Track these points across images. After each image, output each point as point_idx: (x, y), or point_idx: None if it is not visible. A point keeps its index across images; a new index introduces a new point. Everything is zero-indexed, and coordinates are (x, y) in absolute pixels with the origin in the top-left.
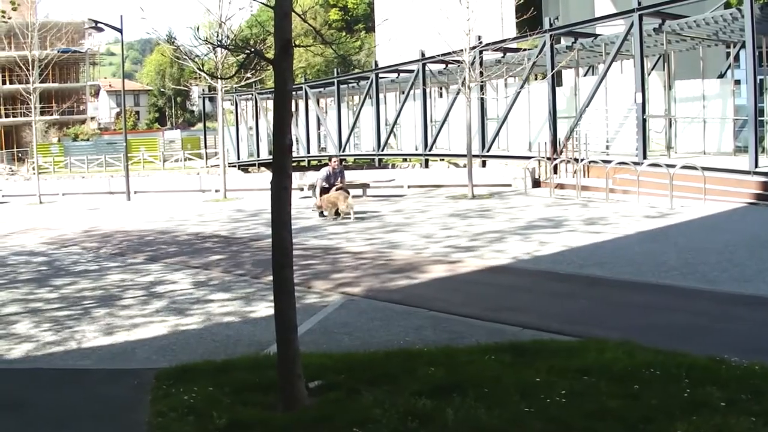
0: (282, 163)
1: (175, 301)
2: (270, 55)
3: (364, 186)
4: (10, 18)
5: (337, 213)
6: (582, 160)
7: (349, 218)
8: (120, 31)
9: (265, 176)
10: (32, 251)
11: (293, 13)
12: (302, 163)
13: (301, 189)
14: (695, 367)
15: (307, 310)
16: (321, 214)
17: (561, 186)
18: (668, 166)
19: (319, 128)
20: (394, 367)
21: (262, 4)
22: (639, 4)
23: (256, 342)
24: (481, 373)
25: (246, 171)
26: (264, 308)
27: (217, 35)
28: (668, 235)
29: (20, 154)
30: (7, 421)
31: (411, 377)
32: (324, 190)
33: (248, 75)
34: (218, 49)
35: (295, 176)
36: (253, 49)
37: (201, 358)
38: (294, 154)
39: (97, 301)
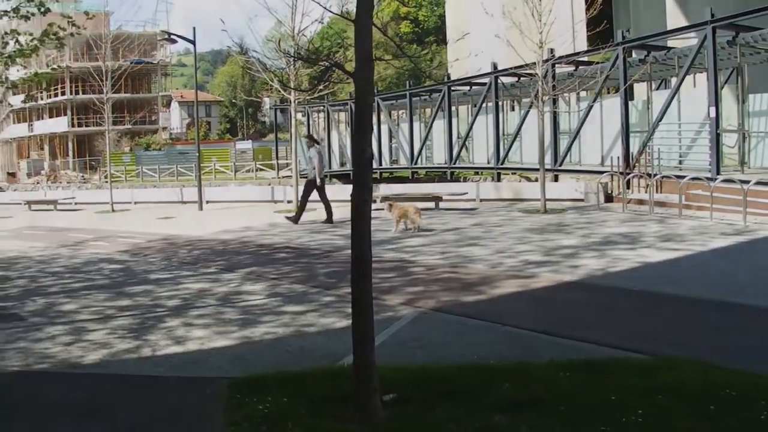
0: (363, 176)
1: (249, 311)
2: (348, 67)
3: (437, 199)
4: (85, 28)
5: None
6: (655, 175)
7: (417, 231)
8: (193, 42)
9: (337, 188)
10: (106, 258)
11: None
12: (374, 175)
13: (374, 201)
14: None
15: (380, 323)
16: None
17: (634, 201)
18: (742, 182)
19: (391, 140)
20: (468, 382)
21: (344, 18)
22: (712, 16)
23: (331, 353)
24: (556, 390)
25: None
26: (338, 320)
27: (296, 48)
28: (743, 253)
29: (92, 163)
30: (82, 428)
31: (485, 393)
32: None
33: (320, 87)
34: (292, 61)
35: None
36: (333, 62)
37: (274, 368)
38: None
39: (170, 310)
